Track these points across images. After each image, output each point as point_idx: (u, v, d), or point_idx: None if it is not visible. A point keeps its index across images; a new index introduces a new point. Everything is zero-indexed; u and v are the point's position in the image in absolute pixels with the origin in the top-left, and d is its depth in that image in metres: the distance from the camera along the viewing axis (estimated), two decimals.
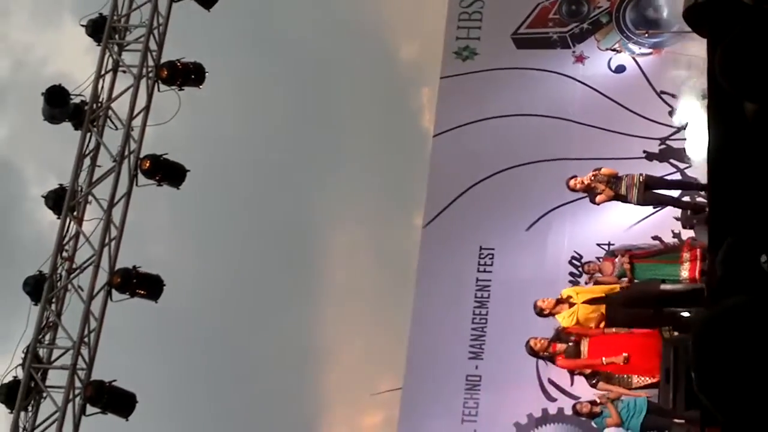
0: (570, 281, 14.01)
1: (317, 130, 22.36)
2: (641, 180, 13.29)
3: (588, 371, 12.39)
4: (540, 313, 12.61)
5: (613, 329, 12.38)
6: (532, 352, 12.52)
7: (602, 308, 12.30)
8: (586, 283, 13.49)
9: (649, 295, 12.34)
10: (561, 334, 12.54)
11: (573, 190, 13.43)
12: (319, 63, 22.19)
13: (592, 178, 13.19)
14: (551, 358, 12.56)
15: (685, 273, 12.65)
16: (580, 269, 14.03)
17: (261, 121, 21.99)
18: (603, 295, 12.47)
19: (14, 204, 21.50)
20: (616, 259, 13.10)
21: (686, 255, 12.73)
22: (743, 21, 3.66)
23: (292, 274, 22.27)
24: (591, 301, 12.38)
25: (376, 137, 22.06)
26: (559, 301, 12.53)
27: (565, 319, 12.48)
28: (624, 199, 13.31)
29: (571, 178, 13.36)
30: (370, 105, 22.14)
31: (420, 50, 22.74)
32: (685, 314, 11.98)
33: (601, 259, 13.65)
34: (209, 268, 21.23)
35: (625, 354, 11.95)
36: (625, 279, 12.88)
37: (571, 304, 12.42)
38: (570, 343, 12.45)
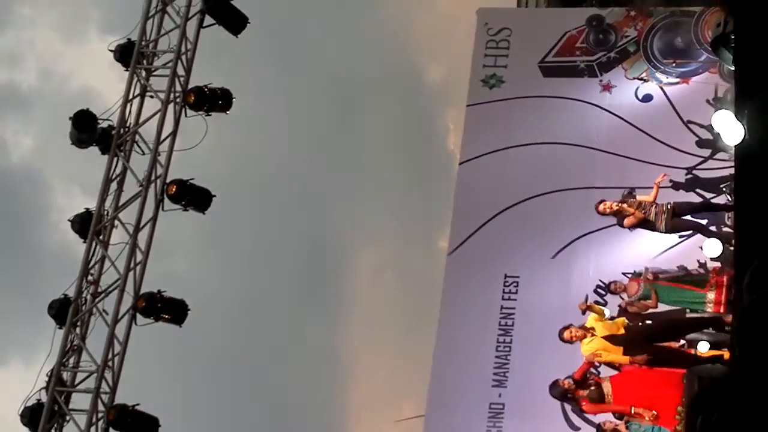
0: None
1: (343, 152, 22.41)
2: (669, 207, 13.36)
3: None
4: (562, 339, 12.76)
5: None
6: (564, 395, 12.65)
7: (621, 340, 12.42)
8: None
9: (669, 326, 12.38)
10: (580, 382, 12.63)
11: (603, 214, 13.52)
12: (346, 85, 22.27)
13: (621, 203, 13.32)
14: (577, 401, 12.64)
15: (711, 295, 12.67)
16: (606, 290, 14.00)
17: (287, 143, 22.06)
18: (622, 331, 12.53)
19: (40, 213, 21.64)
20: (641, 279, 13.15)
21: (713, 281, 12.75)
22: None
23: (317, 296, 22.30)
24: (610, 338, 12.46)
25: (402, 158, 22.11)
26: (585, 330, 12.67)
27: (585, 345, 12.58)
28: (652, 226, 13.35)
29: (600, 202, 13.49)
30: (395, 126, 22.21)
31: (446, 73, 22.79)
32: (705, 346, 12.02)
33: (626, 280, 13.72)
34: (235, 289, 21.27)
35: (654, 412, 11.95)
36: (650, 301, 12.92)
37: (592, 335, 12.53)
38: (592, 387, 12.50)
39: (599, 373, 13.11)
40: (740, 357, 3.07)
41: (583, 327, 12.78)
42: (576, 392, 12.63)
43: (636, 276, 13.63)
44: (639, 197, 13.92)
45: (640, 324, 12.95)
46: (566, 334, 13.07)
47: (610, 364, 12.95)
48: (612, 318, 13.27)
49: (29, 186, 22.19)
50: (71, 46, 23.26)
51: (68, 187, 21.51)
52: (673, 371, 11.98)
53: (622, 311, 13.65)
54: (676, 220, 13.51)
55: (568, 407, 13.67)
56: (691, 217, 13.93)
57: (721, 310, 12.79)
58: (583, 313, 13.36)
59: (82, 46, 22.74)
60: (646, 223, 13.61)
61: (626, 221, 13.53)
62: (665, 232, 13.66)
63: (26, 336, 19.37)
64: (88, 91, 20.59)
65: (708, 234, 13.66)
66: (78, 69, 22.37)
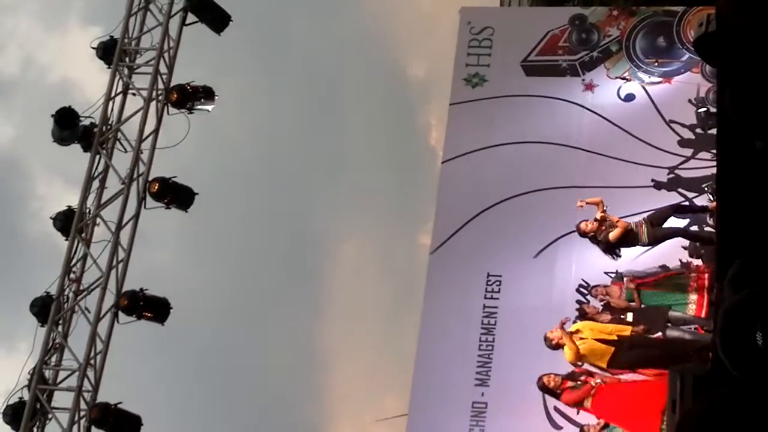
0: (577, 309, 13.98)
1: (325, 148, 22.42)
2: (646, 219, 13.52)
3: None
4: (550, 345, 12.86)
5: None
6: (545, 389, 12.73)
7: (611, 350, 12.49)
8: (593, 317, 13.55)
9: (656, 342, 12.52)
10: (573, 374, 12.71)
11: (585, 233, 13.65)
12: (328, 81, 22.28)
13: (599, 218, 13.44)
14: (558, 394, 12.73)
15: (693, 297, 12.75)
16: (588, 291, 14.04)
17: (269, 139, 22.05)
18: (615, 338, 12.62)
19: (21, 202, 21.58)
20: (624, 283, 13.21)
21: (694, 284, 12.82)
22: (752, 58, 3.65)
23: (299, 291, 22.29)
24: (602, 341, 12.54)
25: (384, 154, 22.12)
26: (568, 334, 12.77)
27: (568, 353, 12.68)
28: (635, 239, 13.48)
29: (581, 222, 13.63)
30: (377, 121, 22.21)
31: (428, 69, 22.82)
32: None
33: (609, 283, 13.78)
34: (217, 285, 21.25)
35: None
36: (633, 304, 13.00)
37: (581, 339, 12.62)
38: (579, 382, 12.61)
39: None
40: (723, 357, 3.08)
41: (570, 333, 12.93)
42: (563, 383, 12.73)
43: (618, 278, 13.68)
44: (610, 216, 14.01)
45: (634, 341, 12.98)
46: (548, 335, 13.20)
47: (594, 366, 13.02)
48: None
49: (10, 175, 22.14)
50: (53, 36, 23.22)
51: (50, 177, 21.49)
52: (660, 383, 12.03)
53: (606, 306, 13.70)
54: (657, 230, 13.60)
55: (551, 406, 13.70)
56: (673, 217, 14.00)
57: (703, 314, 12.86)
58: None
59: (64, 36, 22.70)
60: (629, 235, 13.69)
61: (612, 235, 13.61)
62: (648, 244, 13.75)
63: (6, 324, 19.33)
64: (70, 82, 20.53)
65: (690, 236, 13.74)
66: (60, 59, 22.33)
